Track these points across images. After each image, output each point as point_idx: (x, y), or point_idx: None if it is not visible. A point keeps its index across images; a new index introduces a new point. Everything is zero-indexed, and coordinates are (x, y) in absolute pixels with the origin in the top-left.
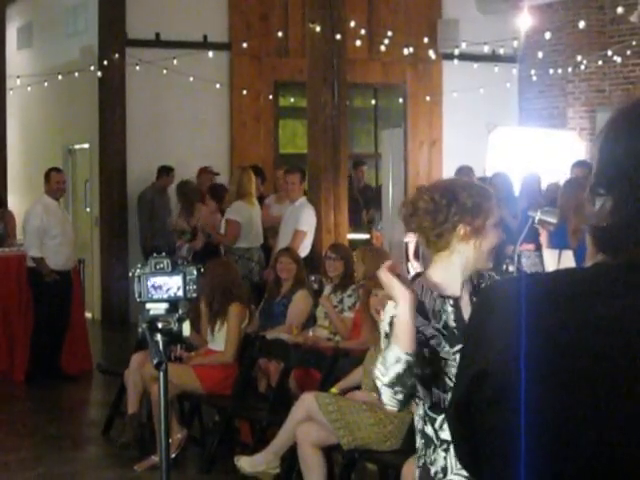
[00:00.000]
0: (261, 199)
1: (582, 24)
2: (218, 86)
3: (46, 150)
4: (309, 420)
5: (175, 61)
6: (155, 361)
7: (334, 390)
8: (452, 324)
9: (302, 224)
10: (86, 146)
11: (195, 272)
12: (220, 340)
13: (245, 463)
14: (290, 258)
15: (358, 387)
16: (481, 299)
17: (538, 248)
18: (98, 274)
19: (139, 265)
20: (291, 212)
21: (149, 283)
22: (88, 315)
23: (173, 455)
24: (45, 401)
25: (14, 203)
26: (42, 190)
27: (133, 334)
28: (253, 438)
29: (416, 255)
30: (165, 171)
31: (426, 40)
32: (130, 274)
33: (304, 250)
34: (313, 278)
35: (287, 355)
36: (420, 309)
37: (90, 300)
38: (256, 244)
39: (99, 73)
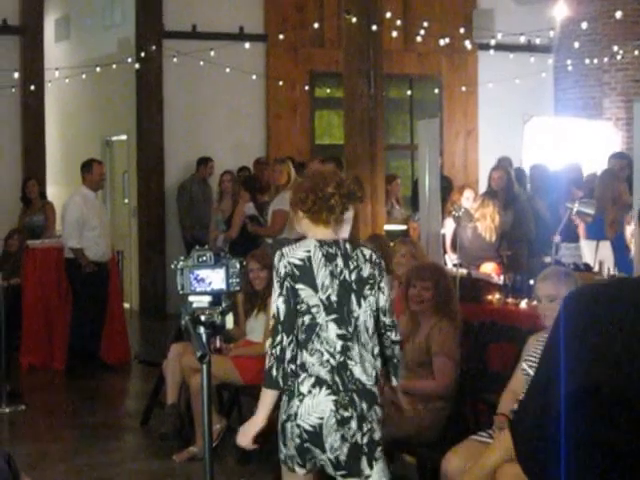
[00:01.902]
0: None
1: (618, 14)
2: (254, 77)
3: (84, 142)
4: None
5: (212, 53)
6: (198, 354)
7: None
8: (334, 298)
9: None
10: (124, 138)
11: (238, 265)
12: (259, 331)
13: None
14: None
15: None
16: (574, 308)
17: (573, 240)
18: (136, 265)
19: (182, 258)
20: None
21: (192, 276)
22: (126, 306)
23: (213, 445)
24: (84, 391)
25: (53, 195)
26: (80, 182)
27: (171, 324)
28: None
29: (453, 246)
30: (204, 162)
31: (462, 31)
32: (172, 266)
33: None
34: None
35: None
36: (310, 282)
37: (128, 291)
38: (289, 235)
39: (137, 65)
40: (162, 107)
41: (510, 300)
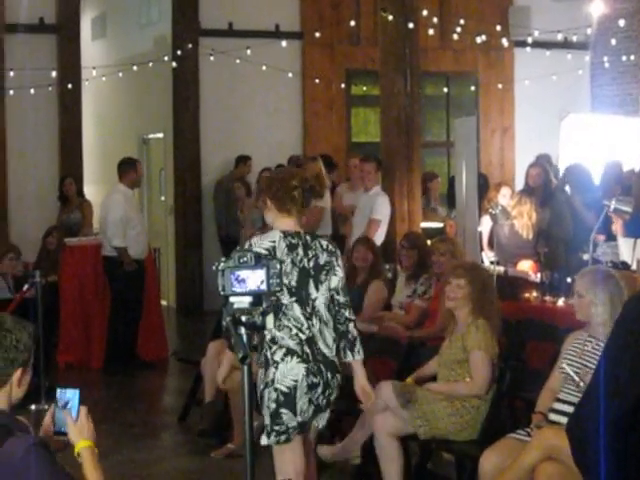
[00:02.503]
0: (333, 188)
1: None
2: (290, 75)
3: (121, 140)
4: (385, 410)
5: (249, 51)
6: (240, 355)
7: (410, 380)
8: (294, 284)
9: (377, 213)
10: (160, 135)
11: (278, 266)
12: None
13: (327, 452)
14: (366, 247)
15: (434, 378)
16: (630, 314)
17: (609, 238)
18: (173, 263)
19: (223, 259)
20: (366, 201)
21: (233, 277)
22: (163, 303)
23: None
24: (122, 388)
25: (89, 193)
26: (116, 180)
27: (207, 322)
28: (328, 427)
29: (490, 244)
30: (242, 160)
31: (498, 28)
32: (213, 267)
33: (378, 239)
34: (387, 267)
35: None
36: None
37: (165, 288)
38: (328, 232)
39: (173, 64)
40: (198, 105)
41: (547, 298)
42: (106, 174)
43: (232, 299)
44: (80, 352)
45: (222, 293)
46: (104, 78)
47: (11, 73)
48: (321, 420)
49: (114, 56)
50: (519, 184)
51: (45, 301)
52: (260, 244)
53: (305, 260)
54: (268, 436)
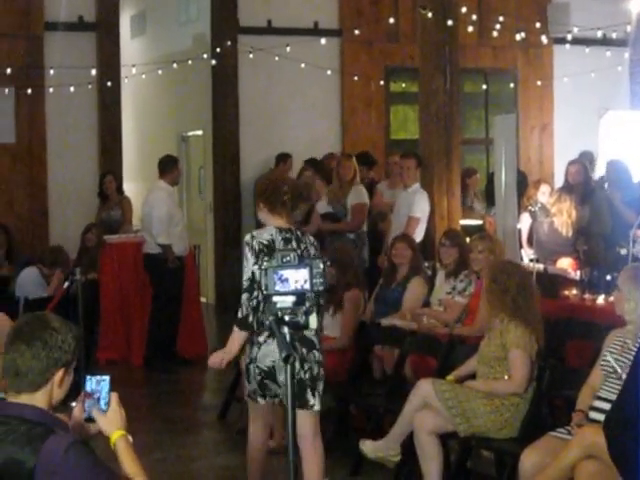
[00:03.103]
0: (372, 185)
1: None
2: (329, 72)
3: (160, 137)
4: (426, 407)
5: (288, 48)
6: (283, 354)
7: (450, 378)
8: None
9: (416, 211)
10: (200, 133)
11: (321, 265)
12: (336, 326)
13: (368, 448)
14: (406, 244)
15: (473, 376)
16: None
17: None
18: (212, 260)
19: (266, 259)
20: (405, 198)
21: (276, 276)
22: (202, 300)
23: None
24: (162, 385)
25: (129, 190)
26: (156, 177)
27: None
28: (368, 424)
29: (529, 242)
30: (283, 159)
31: (537, 25)
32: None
33: (417, 236)
34: (427, 264)
35: (402, 342)
36: (270, 254)
37: (204, 285)
38: (364, 229)
39: (213, 61)
40: (237, 102)
41: (587, 296)
42: (145, 171)
43: (275, 298)
44: (120, 349)
45: (265, 292)
46: (144, 76)
47: (51, 71)
48: (312, 398)
49: (153, 54)
50: (558, 181)
51: (85, 298)
52: (261, 236)
53: (298, 251)
54: (263, 398)
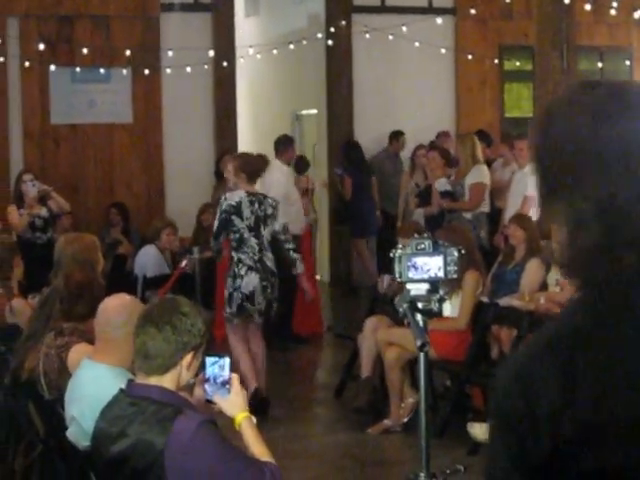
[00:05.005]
0: (488, 163)
1: None
2: (443, 51)
3: (275, 116)
4: None
5: (403, 28)
6: (419, 343)
7: None
8: (252, 225)
9: (532, 190)
10: (314, 112)
11: (456, 253)
12: (454, 306)
13: (478, 430)
14: (521, 225)
15: None
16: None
17: None
18: (327, 238)
19: (400, 246)
20: (520, 178)
21: (410, 263)
22: (317, 278)
23: (406, 419)
24: (278, 363)
25: None
26: (271, 156)
27: (361, 297)
28: (485, 405)
29: None
30: (396, 136)
31: None
32: (390, 254)
33: (534, 216)
34: (543, 243)
35: (520, 322)
36: (240, 215)
37: (319, 263)
38: (486, 209)
39: (330, 42)
40: (352, 81)
41: None
42: (260, 150)
43: (409, 286)
44: None
45: (399, 280)
46: (259, 56)
47: (169, 53)
48: (271, 309)
49: (267, 34)
50: None
51: (202, 276)
52: (231, 198)
53: (259, 211)
54: (240, 319)
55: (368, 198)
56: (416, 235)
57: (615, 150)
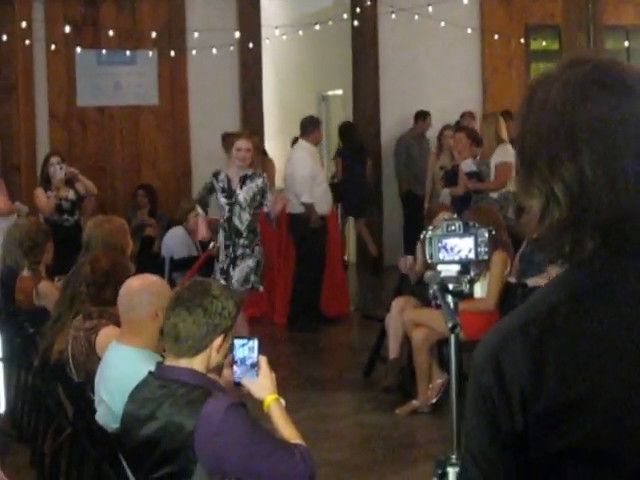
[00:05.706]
0: (513, 143)
1: None
2: (469, 31)
3: (301, 97)
4: None
5: (430, 8)
6: (449, 324)
7: None
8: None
9: None
10: (340, 92)
11: (486, 234)
12: (483, 287)
13: None
14: None
15: None
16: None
17: None
18: (353, 218)
19: (430, 227)
20: None
21: (440, 245)
22: (344, 258)
23: (434, 400)
24: (306, 344)
25: (269, 149)
26: (297, 136)
27: (387, 278)
28: None
29: None
30: (422, 116)
31: None
32: (421, 236)
33: None
34: None
35: None
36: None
37: (346, 244)
38: (513, 188)
39: (355, 22)
40: (377, 62)
41: None
42: (286, 130)
43: (439, 267)
44: (264, 306)
45: (429, 261)
46: (284, 37)
47: (195, 34)
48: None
49: (293, 15)
50: None
51: None
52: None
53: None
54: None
55: (358, 181)
56: (446, 216)
57: (589, 131)
